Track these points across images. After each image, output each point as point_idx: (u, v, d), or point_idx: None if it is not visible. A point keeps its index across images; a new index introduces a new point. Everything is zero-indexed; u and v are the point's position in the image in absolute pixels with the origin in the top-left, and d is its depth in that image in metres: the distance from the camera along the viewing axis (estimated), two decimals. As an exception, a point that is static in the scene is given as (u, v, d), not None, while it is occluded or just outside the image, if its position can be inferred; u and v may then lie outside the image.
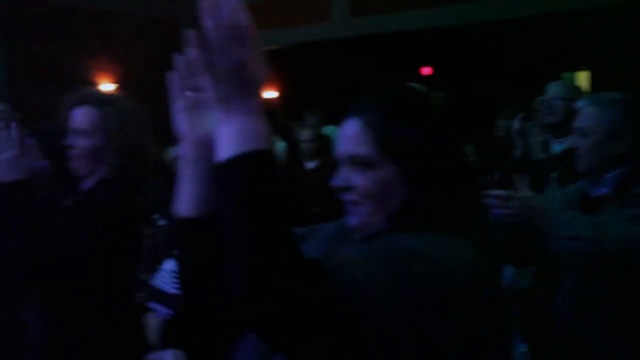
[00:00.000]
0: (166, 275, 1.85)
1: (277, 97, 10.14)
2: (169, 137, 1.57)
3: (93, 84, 8.48)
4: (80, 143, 1.96)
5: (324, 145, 5.11)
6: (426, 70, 9.57)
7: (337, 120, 2.70)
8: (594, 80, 8.95)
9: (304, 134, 5.20)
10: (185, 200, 0.94)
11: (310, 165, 5.11)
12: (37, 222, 1.84)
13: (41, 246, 1.81)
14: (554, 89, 3.36)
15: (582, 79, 9.25)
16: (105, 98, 2.11)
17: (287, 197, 0.85)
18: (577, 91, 3.47)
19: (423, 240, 0.87)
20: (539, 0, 6.72)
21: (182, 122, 0.97)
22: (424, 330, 0.79)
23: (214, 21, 0.74)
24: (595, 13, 6.55)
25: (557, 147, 3.23)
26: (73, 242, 1.83)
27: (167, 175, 1.88)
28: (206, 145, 0.88)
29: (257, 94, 0.80)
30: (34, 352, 2.08)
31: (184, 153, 0.99)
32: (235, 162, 0.74)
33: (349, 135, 0.95)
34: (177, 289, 1.16)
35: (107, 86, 8.74)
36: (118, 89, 8.80)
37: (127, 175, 1.98)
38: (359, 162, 0.94)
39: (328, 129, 5.98)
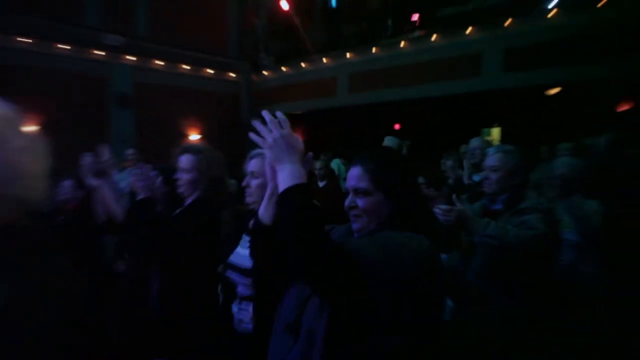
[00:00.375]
0: (240, 254, 2.10)
1: (303, 141, 13.80)
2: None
3: (186, 136, 12.40)
4: (183, 177, 2.52)
5: (329, 172, 6.33)
6: (397, 126, 12.80)
7: (339, 156, 6.55)
8: (503, 133, 11.97)
9: (318, 164, 6.11)
10: (268, 214, 1.55)
11: (321, 184, 6.10)
12: (158, 222, 2.32)
13: (160, 236, 2.30)
14: (475, 142, 4.12)
15: (496, 132, 12.50)
16: (198, 148, 2.63)
17: (318, 208, 1.27)
18: (488, 143, 4.23)
19: (401, 235, 1.30)
20: (468, 84, 9.44)
21: (267, 170, 1.53)
22: (400, 285, 1.20)
23: (269, 126, 1.38)
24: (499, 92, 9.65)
25: (476, 177, 3.97)
26: (180, 234, 2.33)
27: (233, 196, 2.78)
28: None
29: (297, 152, 1.35)
30: (154, 300, 2.52)
31: (269, 190, 1.58)
32: (286, 192, 1.25)
33: (354, 176, 1.44)
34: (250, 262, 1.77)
35: (195, 137, 12.42)
36: (203, 139, 12.33)
37: (211, 196, 2.54)
38: (360, 192, 1.42)
39: (333, 163, 8.17)
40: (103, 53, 10.62)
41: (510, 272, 2.39)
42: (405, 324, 1.23)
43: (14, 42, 9.27)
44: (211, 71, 12.77)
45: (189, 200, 2.58)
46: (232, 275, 2.10)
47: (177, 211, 2.57)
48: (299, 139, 1.45)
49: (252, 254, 1.69)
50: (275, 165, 1.40)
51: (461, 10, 9.46)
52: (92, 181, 2.87)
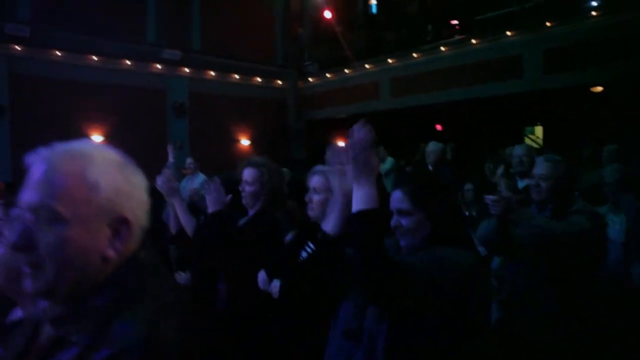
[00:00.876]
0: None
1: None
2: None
3: (237, 141, 13.11)
4: (247, 189, 2.72)
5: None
6: (439, 127, 13.14)
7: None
8: (545, 132, 11.98)
9: None
10: (332, 225, 1.70)
11: None
12: (230, 235, 2.54)
13: (231, 247, 2.52)
14: (520, 150, 4.13)
15: (539, 131, 12.39)
16: (261, 162, 2.81)
17: (384, 232, 1.39)
18: (532, 150, 4.32)
19: (447, 251, 1.48)
20: (510, 86, 9.63)
21: (334, 180, 1.66)
22: (449, 295, 1.38)
23: (353, 138, 1.42)
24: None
25: (521, 183, 3.98)
26: (247, 245, 2.56)
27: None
28: (347, 195, 1.50)
29: (374, 174, 1.41)
30: (222, 306, 2.71)
31: (335, 200, 1.69)
32: (361, 214, 1.37)
33: (396, 199, 1.63)
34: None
35: (245, 142, 13.11)
36: (252, 144, 13.10)
37: (273, 207, 2.76)
38: (403, 213, 1.59)
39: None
40: (161, 67, 11.48)
41: (558, 272, 2.47)
42: (453, 328, 1.43)
43: (85, 61, 10.25)
44: (259, 79, 13.45)
45: (251, 212, 2.77)
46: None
47: (242, 221, 2.78)
48: (377, 162, 1.53)
49: (311, 264, 1.89)
50: (353, 183, 1.48)
51: (500, 13, 9.65)
52: (168, 198, 2.97)
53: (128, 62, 10.93)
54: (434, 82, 10.76)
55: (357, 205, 1.43)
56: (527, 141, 15.07)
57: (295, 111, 14.00)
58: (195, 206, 4.97)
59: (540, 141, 14.63)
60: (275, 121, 13.75)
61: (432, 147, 5.56)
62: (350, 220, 1.44)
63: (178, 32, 11.81)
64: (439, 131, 12.99)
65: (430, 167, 5.52)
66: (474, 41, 9.96)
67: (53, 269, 0.86)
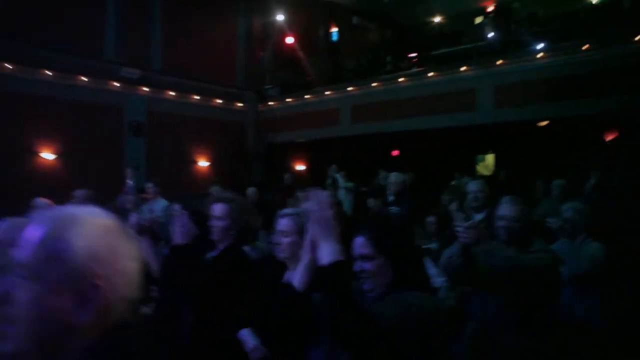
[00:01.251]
0: None
1: (307, 168, 14.46)
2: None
3: (195, 162, 12.95)
4: (217, 224, 2.75)
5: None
6: (395, 152, 13.55)
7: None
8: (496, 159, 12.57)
9: None
10: (302, 283, 1.77)
11: None
12: (197, 268, 2.62)
13: (199, 280, 2.60)
14: (474, 186, 4.18)
15: (490, 159, 13.04)
16: (230, 197, 2.87)
17: (351, 282, 1.50)
18: (486, 186, 4.26)
19: (411, 296, 1.59)
20: (464, 118, 10.28)
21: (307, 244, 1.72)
22: (416, 338, 1.49)
23: (315, 202, 1.56)
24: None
25: (476, 216, 3.99)
26: (215, 279, 2.63)
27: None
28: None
29: (337, 231, 1.54)
30: (185, 339, 2.72)
31: (305, 261, 1.75)
32: (330, 266, 1.48)
33: (358, 244, 1.71)
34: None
35: (203, 163, 13.00)
36: (211, 166, 13.01)
37: (242, 241, 2.87)
38: (365, 258, 1.69)
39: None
40: (118, 84, 11.26)
41: (527, 303, 2.63)
42: None
43: (38, 75, 9.91)
44: (219, 101, 13.41)
45: (221, 246, 2.80)
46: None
47: (211, 255, 2.81)
48: (338, 219, 1.62)
49: (278, 315, 1.92)
50: (318, 241, 1.57)
51: (455, 49, 10.17)
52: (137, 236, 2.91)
53: (84, 79, 10.65)
54: (392, 110, 11.13)
55: (325, 258, 1.50)
56: (479, 168, 15.82)
57: (255, 133, 14.04)
58: (154, 233, 5.06)
59: (491, 167, 15.38)
60: (235, 143, 13.72)
61: (394, 178, 5.72)
62: (321, 272, 1.52)
63: (138, 50, 11.64)
64: (395, 157, 13.32)
65: (391, 197, 5.70)
66: (430, 74, 10.39)
67: (22, 327, 0.89)
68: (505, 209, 2.87)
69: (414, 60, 11.38)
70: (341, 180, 8.56)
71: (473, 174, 14.07)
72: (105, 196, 9.32)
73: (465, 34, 11.10)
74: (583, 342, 3.20)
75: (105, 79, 10.99)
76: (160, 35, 12.12)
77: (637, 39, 7.77)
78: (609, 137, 9.64)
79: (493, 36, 9.56)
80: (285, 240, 2.35)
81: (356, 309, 1.43)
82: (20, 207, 8.73)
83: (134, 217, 2.91)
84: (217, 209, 2.77)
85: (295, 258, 2.50)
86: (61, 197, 8.49)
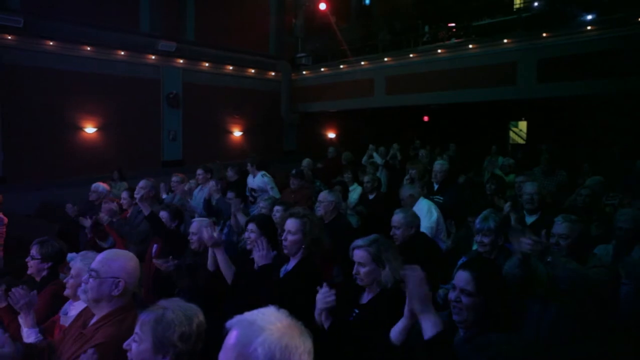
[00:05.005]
0: None
1: (338, 137, 14.50)
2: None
3: (229, 132, 13.15)
4: (289, 238, 2.83)
5: (377, 185, 6.08)
6: (426, 118, 13.49)
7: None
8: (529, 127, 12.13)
9: (366, 178, 6.04)
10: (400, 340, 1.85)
11: (371, 197, 5.95)
12: (279, 287, 2.68)
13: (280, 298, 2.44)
14: (532, 188, 4.17)
15: (523, 126, 12.75)
16: (302, 213, 2.94)
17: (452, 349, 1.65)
18: (543, 189, 4.41)
19: (497, 340, 1.73)
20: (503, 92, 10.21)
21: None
22: None
23: (412, 281, 1.66)
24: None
25: (529, 219, 4.12)
26: (293, 295, 2.54)
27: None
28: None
29: (431, 303, 1.65)
30: None
31: (402, 324, 1.83)
32: (434, 338, 1.58)
33: (462, 279, 1.87)
34: None
35: (237, 132, 13.22)
36: (244, 135, 13.25)
37: (313, 254, 2.86)
38: (466, 293, 1.84)
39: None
40: (155, 57, 11.34)
41: (586, 312, 2.66)
42: None
43: (78, 51, 10.04)
44: (253, 71, 13.38)
45: (294, 260, 2.88)
46: None
47: (285, 270, 2.89)
48: (430, 294, 1.71)
49: None
50: (421, 314, 1.67)
51: (497, 20, 9.82)
52: (212, 248, 3.06)
53: (122, 53, 10.75)
54: (429, 83, 10.94)
55: (428, 332, 1.63)
56: (512, 134, 15.57)
57: (288, 103, 14.04)
58: (212, 208, 5.21)
59: (524, 134, 15.13)
60: (269, 113, 13.78)
61: (439, 166, 5.60)
62: (428, 344, 1.64)
63: (172, 23, 11.65)
64: (425, 121, 13.23)
65: (436, 185, 5.62)
66: (470, 46, 10.11)
67: None
68: (557, 226, 2.91)
69: (453, 30, 11.03)
70: (379, 159, 8.55)
71: (506, 144, 14.00)
72: (142, 167, 9.89)
73: (508, 4, 10.64)
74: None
75: (143, 52, 11.07)
76: (194, 7, 12.04)
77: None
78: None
79: (538, 6, 9.16)
80: (291, 238, 2.73)
81: None
82: (65, 181, 9.24)
83: (209, 232, 2.99)
84: (290, 223, 2.86)
85: (296, 254, 2.82)
86: (103, 168, 9.16)
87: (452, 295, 1.87)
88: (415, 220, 3.60)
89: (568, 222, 2.89)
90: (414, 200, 4.58)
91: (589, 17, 8.54)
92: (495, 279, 1.92)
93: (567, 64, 8.68)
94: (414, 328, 1.79)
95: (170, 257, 3.34)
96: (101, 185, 5.32)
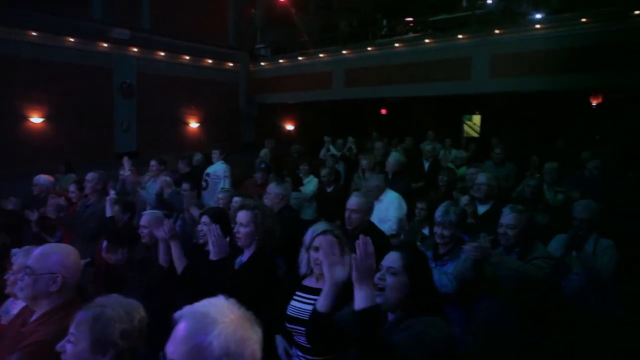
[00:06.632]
0: (296, 307, 2.44)
1: (296, 129, 14.42)
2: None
3: (186, 123, 12.81)
4: (242, 230, 2.84)
5: (335, 178, 6.19)
6: (383, 111, 13.66)
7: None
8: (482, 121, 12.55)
9: (323, 172, 6.09)
10: (323, 304, 1.94)
11: (329, 189, 6.02)
12: (234, 280, 2.68)
13: (236, 290, 2.07)
14: (484, 178, 4.25)
15: (476, 119, 13.17)
16: (254, 204, 2.95)
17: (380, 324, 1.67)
18: (494, 180, 4.35)
19: (423, 324, 1.74)
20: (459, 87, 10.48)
21: (326, 267, 1.91)
22: None
23: (361, 252, 1.69)
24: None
25: (481, 209, 4.23)
26: (248, 286, 2.60)
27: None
28: (337, 284, 1.88)
29: (372, 277, 1.71)
30: None
31: (328, 287, 1.93)
32: (363, 311, 1.65)
33: (390, 258, 1.90)
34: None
35: (194, 124, 12.95)
36: (201, 126, 12.98)
37: (266, 245, 2.87)
38: (391, 271, 1.86)
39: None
40: (107, 45, 10.92)
41: (527, 307, 2.80)
42: None
43: (23, 36, 9.53)
44: (210, 61, 13.13)
45: (248, 252, 2.89)
46: (291, 326, 2.42)
47: (240, 262, 2.89)
48: (374, 266, 1.76)
49: (310, 334, 2.15)
50: (357, 284, 1.71)
51: (453, 16, 10.03)
52: (169, 240, 3.02)
53: (71, 39, 10.29)
54: (386, 76, 11.08)
55: (360, 303, 1.67)
56: (466, 128, 15.99)
57: (246, 94, 13.88)
58: (165, 202, 5.08)
59: (477, 128, 15.56)
60: (226, 104, 13.59)
61: (393, 158, 5.74)
62: (357, 316, 1.68)
63: (126, 10, 11.24)
64: (383, 115, 13.40)
65: (389, 176, 5.73)
66: (427, 40, 10.29)
67: None
68: (505, 217, 3.00)
69: (411, 24, 11.19)
70: (335, 151, 8.64)
71: (460, 137, 14.36)
72: (95, 158, 9.54)
73: (464, 0, 10.88)
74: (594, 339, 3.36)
75: (94, 39, 10.63)
76: (150, -7, 11.67)
77: (637, 12, 7.76)
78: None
79: (492, 3, 9.42)
80: (243, 230, 2.74)
81: (382, 347, 1.61)
82: (10, 173, 8.78)
83: (168, 224, 2.96)
84: (241, 215, 2.85)
85: (249, 246, 2.84)
86: (51, 160, 8.75)
87: (377, 275, 1.86)
88: (372, 207, 3.58)
89: (515, 212, 2.98)
90: (380, 191, 4.59)
91: (539, 16, 8.84)
92: (421, 262, 1.95)
93: (518, 61, 8.98)
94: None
95: (120, 249, 3.25)
96: (42, 177, 5.13)
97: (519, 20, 9.04)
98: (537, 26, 8.79)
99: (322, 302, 2.00)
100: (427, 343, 1.69)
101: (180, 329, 1.13)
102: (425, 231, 4.24)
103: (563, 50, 8.42)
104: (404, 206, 4.58)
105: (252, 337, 1.17)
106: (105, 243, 3.40)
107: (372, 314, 1.66)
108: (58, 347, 1.50)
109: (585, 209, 3.51)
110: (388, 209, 4.38)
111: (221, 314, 1.15)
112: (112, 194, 4.10)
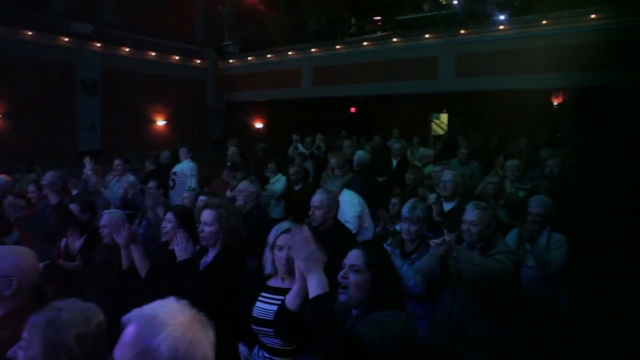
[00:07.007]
0: (262, 309, 2.37)
1: (265, 127, 14.33)
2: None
3: (153, 121, 12.56)
4: (206, 229, 2.79)
5: (304, 176, 6.35)
6: (353, 109, 13.82)
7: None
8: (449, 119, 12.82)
9: (292, 170, 6.22)
10: (295, 305, 2.00)
11: (296, 187, 6.15)
12: (200, 280, 2.64)
13: (201, 291, 2.50)
14: (449, 175, 4.37)
15: (444, 118, 13.40)
16: (218, 203, 2.91)
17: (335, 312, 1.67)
18: (459, 177, 4.47)
19: (387, 316, 1.78)
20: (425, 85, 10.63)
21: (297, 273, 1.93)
22: (394, 355, 1.71)
23: (296, 240, 1.68)
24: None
25: (446, 206, 4.30)
26: (215, 286, 2.63)
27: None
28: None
29: (321, 264, 1.67)
30: None
31: (296, 288, 1.99)
32: (316, 298, 1.63)
33: (352, 256, 1.91)
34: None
35: (161, 122, 12.72)
36: (168, 124, 12.73)
37: (232, 244, 2.84)
38: (354, 269, 1.87)
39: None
40: (68, 39, 10.59)
41: (490, 300, 2.87)
42: None
43: (-21, 29, 9.16)
44: (177, 57, 12.92)
45: (212, 251, 2.84)
46: (256, 328, 2.38)
47: (205, 262, 2.84)
48: (322, 255, 1.73)
49: (279, 331, 2.16)
50: (306, 274, 1.70)
51: (421, 16, 10.18)
52: (127, 244, 2.94)
53: (29, 33, 9.92)
54: (355, 74, 11.15)
55: (313, 291, 1.65)
56: (434, 126, 16.25)
57: (214, 92, 13.70)
58: (129, 202, 5.01)
59: (445, 126, 15.84)
60: (194, 101, 13.39)
61: (357, 157, 5.74)
62: (311, 304, 1.66)
63: (89, 3, 10.91)
64: (353, 113, 13.45)
65: (355, 172, 5.74)
66: (395, 39, 10.39)
67: None
68: (468, 214, 3.06)
69: (379, 23, 11.28)
70: (303, 148, 8.64)
71: (428, 135, 14.60)
72: (57, 158, 9.23)
73: (431, 0, 11.05)
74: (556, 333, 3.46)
75: (54, 33, 10.29)
76: (113, -14, 11.37)
77: (593, 16, 8.05)
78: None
79: (458, 4, 9.58)
80: (208, 229, 2.69)
81: (341, 333, 1.62)
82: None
83: (126, 231, 2.88)
84: (205, 214, 2.81)
85: (214, 245, 2.78)
86: (9, 159, 8.41)
87: (340, 273, 1.88)
88: (336, 203, 3.56)
89: (478, 209, 3.04)
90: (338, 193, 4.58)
91: (502, 17, 9.06)
92: (383, 258, 1.96)
93: (483, 60, 9.19)
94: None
95: (78, 255, 3.16)
96: None
97: (484, 21, 9.23)
98: (501, 27, 9.00)
99: (292, 301, 2.01)
100: (387, 332, 1.71)
101: (128, 333, 1.09)
102: (398, 227, 4.32)
103: (525, 51, 8.66)
104: (361, 202, 4.58)
105: (204, 339, 1.13)
106: (64, 242, 3.31)
107: (327, 299, 1.65)
108: (9, 353, 1.45)
109: (539, 204, 3.61)
110: (345, 212, 4.38)
111: (170, 317, 1.12)
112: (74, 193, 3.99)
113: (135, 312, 1.12)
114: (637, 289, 4.40)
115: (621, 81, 7.93)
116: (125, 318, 1.11)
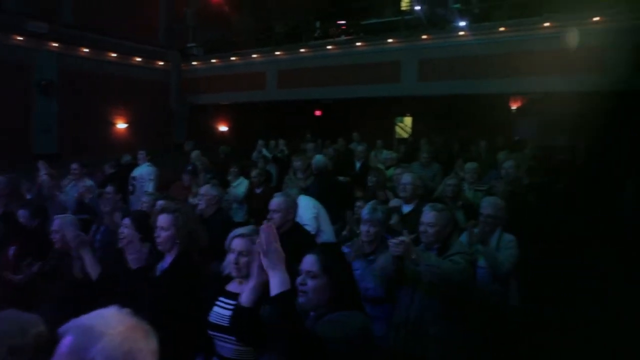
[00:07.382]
0: (219, 314, 2.31)
1: (230, 130, 14.21)
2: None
3: (113, 124, 12.28)
4: (162, 234, 2.73)
5: (266, 179, 6.46)
6: (318, 112, 13.87)
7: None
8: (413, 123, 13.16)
9: (254, 173, 6.27)
10: (250, 301, 2.01)
11: (258, 190, 6.17)
12: (156, 287, 2.61)
13: (159, 299, 2.52)
14: (408, 178, 4.43)
15: (408, 121, 13.67)
16: (174, 207, 2.89)
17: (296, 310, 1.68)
18: (418, 180, 4.54)
19: (345, 316, 1.83)
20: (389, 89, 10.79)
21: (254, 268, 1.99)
22: (354, 353, 1.75)
23: (262, 237, 1.70)
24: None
25: (405, 208, 4.39)
26: (172, 294, 2.58)
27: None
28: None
29: (284, 262, 1.70)
30: None
31: (253, 283, 2.02)
32: (278, 296, 1.64)
33: (307, 261, 1.92)
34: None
35: (122, 125, 12.49)
36: (130, 127, 12.53)
37: (189, 249, 2.80)
38: (310, 275, 1.88)
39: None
40: (22, 39, 10.23)
41: (447, 300, 2.91)
42: None
43: None
44: (139, 59, 12.67)
45: (169, 256, 2.78)
46: (212, 333, 2.34)
47: (162, 268, 2.78)
48: (283, 253, 1.75)
49: (235, 330, 2.11)
50: (269, 271, 1.72)
51: (384, 20, 10.33)
52: (77, 249, 2.91)
53: (-18, 32, 9.55)
54: (320, 78, 11.20)
55: (275, 289, 1.66)
56: (398, 129, 16.48)
57: (177, 94, 13.51)
58: (85, 207, 4.92)
59: (409, 129, 16.08)
60: (157, 104, 13.14)
61: (316, 162, 5.75)
62: (274, 301, 1.67)
63: (45, 2, 10.54)
64: (318, 117, 13.53)
65: (314, 175, 5.75)
66: (359, 43, 10.51)
67: None
68: (425, 215, 3.10)
69: (343, 27, 11.38)
70: (267, 154, 8.62)
71: (392, 139, 14.81)
72: (10, 161, 8.84)
73: (394, 6, 11.25)
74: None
75: (7, 32, 9.91)
76: (71, -16, 11.05)
77: (546, 25, 8.36)
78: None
79: (420, 10, 9.77)
80: (164, 234, 2.65)
81: (303, 332, 1.64)
82: None
83: (73, 232, 2.82)
84: (162, 219, 2.75)
85: (171, 250, 2.74)
86: None
87: (298, 280, 1.88)
88: (294, 206, 3.57)
89: (435, 211, 3.08)
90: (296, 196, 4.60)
91: (463, 23, 9.30)
92: (339, 261, 1.99)
93: (444, 65, 9.40)
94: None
95: (24, 264, 3.05)
96: None
97: (445, 27, 9.44)
98: (461, 33, 9.22)
99: (247, 297, 2.02)
100: (345, 332, 1.74)
101: (63, 344, 1.05)
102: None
103: (484, 57, 8.91)
104: (316, 205, 4.59)
105: (144, 349, 1.09)
106: (12, 250, 3.19)
107: (289, 297, 1.67)
108: None
109: (491, 205, 3.69)
110: (302, 216, 4.39)
111: (108, 326, 1.08)
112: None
113: (72, 323, 1.08)
114: (591, 286, 4.59)
115: (574, 87, 8.28)
116: (61, 329, 1.07)
